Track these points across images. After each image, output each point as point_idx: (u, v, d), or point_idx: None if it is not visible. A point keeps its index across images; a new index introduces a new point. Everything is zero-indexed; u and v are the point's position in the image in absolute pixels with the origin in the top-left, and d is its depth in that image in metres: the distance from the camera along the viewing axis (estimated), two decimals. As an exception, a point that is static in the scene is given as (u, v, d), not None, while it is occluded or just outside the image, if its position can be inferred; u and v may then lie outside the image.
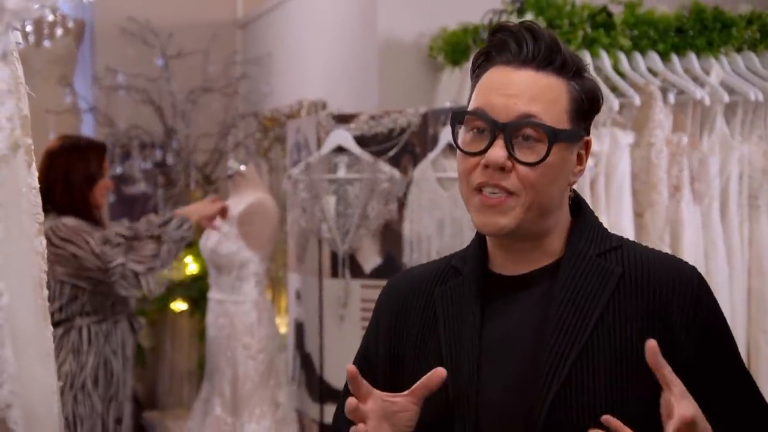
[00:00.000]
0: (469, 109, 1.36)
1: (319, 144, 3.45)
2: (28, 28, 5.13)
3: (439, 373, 1.28)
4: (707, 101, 3.15)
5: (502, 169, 1.31)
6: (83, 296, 3.28)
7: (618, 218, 3.03)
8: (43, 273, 1.44)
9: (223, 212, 3.61)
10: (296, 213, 3.57)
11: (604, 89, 3.05)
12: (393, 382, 1.41)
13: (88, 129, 5.72)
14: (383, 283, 1.57)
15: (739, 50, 3.33)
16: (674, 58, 3.25)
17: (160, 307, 5.00)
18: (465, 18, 3.73)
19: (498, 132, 1.32)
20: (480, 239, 1.43)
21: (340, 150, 3.40)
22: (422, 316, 1.43)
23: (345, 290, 3.42)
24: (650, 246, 1.47)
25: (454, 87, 3.75)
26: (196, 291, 4.84)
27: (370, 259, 3.41)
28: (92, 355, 3.28)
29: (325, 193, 3.42)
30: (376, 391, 1.30)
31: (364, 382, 1.30)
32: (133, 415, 3.56)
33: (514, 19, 2.44)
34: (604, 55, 3.15)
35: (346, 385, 1.52)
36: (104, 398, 3.30)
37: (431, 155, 3.30)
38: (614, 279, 1.34)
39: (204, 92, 5.44)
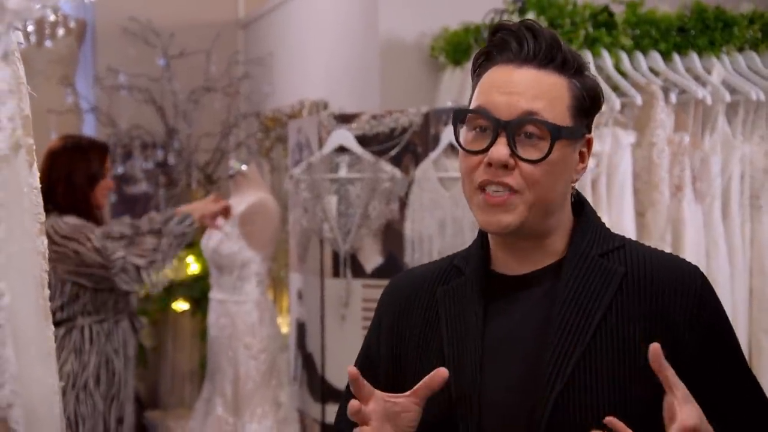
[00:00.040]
0: (470, 108, 1.36)
1: (321, 144, 3.45)
2: (30, 28, 5.12)
3: (442, 373, 1.28)
4: (709, 101, 3.15)
5: (505, 166, 1.31)
6: (84, 295, 3.29)
7: (619, 218, 3.03)
8: (45, 273, 1.44)
9: (225, 211, 3.61)
10: (298, 213, 3.57)
11: (606, 89, 3.05)
12: (395, 382, 1.41)
13: (89, 129, 5.73)
14: (385, 282, 1.57)
15: (740, 50, 3.33)
16: (676, 57, 3.24)
17: (162, 307, 5.00)
18: (466, 18, 3.73)
19: (500, 130, 1.32)
20: (482, 239, 1.43)
21: (341, 150, 3.40)
22: (424, 315, 1.43)
23: (346, 290, 3.42)
24: (652, 245, 1.47)
25: (455, 87, 3.75)
26: (198, 291, 4.84)
27: (372, 259, 3.41)
28: (94, 354, 3.28)
29: (326, 193, 3.42)
30: (378, 392, 1.30)
31: (366, 383, 1.30)
32: (135, 414, 3.56)
33: (516, 19, 2.44)
34: (605, 54, 3.15)
35: (348, 386, 1.52)
36: (106, 397, 3.31)
37: (433, 155, 3.30)
38: (617, 279, 1.34)
39: (205, 92, 5.44)
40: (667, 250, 2.65)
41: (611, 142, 3.06)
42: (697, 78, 3.23)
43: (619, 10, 3.30)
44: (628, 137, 3.08)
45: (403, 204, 3.34)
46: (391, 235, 3.37)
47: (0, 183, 1.29)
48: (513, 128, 1.31)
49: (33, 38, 5.37)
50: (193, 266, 4.92)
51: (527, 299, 1.37)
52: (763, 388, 1.41)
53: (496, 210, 1.33)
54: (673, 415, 1.20)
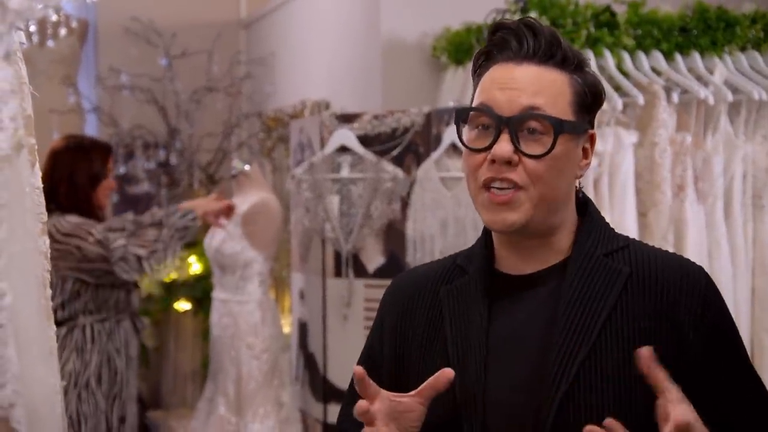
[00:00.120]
0: (472, 106, 1.36)
1: (323, 144, 3.45)
2: (32, 28, 5.13)
3: (447, 373, 1.28)
4: (711, 100, 3.15)
5: (508, 163, 1.31)
6: (86, 293, 3.29)
7: (621, 218, 3.02)
8: (47, 272, 1.44)
9: (227, 210, 3.61)
10: (300, 213, 3.57)
11: (608, 89, 3.05)
12: (398, 382, 1.41)
13: (91, 129, 5.73)
14: (387, 282, 1.56)
15: (743, 49, 3.32)
16: (678, 57, 3.24)
17: (164, 307, 5.01)
18: (468, 18, 3.72)
19: (503, 126, 1.32)
20: (486, 238, 1.43)
21: (343, 150, 3.40)
22: (428, 315, 1.43)
23: (348, 290, 3.42)
24: (654, 245, 1.47)
25: (457, 87, 3.75)
26: (200, 291, 4.84)
27: (374, 259, 3.41)
28: (95, 353, 3.29)
29: (328, 193, 3.42)
30: (383, 392, 1.30)
31: (372, 382, 1.30)
32: (137, 414, 3.57)
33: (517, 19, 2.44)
34: (607, 54, 3.15)
35: (350, 386, 1.52)
36: (108, 396, 3.31)
37: (434, 155, 3.30)
38: (622, 279, 1.34)
39: (207, 92, 5.44)
40: (670, 250, 2.65)
41: (613, 142, 3.05)
42: (699, 78, 3.23)
43: (621, 10, 3.30)
44: (631, 137, 3.08)
45: (405, 204, 3.34)
46: (393, 235, 3.37)
47: (2, 183, 1.29)
48: (515, 124, 1.31)
49: (35, 38, 5.38)
50: (195, 266, 4.92)
51: (532, 299, 1.37)
52: (766, 387, 1.41)
53: (501, 208, 1.33)
54: (667, 415, 1.19)
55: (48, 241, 1.46)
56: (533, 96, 1.32)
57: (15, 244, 1.30)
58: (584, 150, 1.38)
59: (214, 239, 3.95)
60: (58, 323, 3.11)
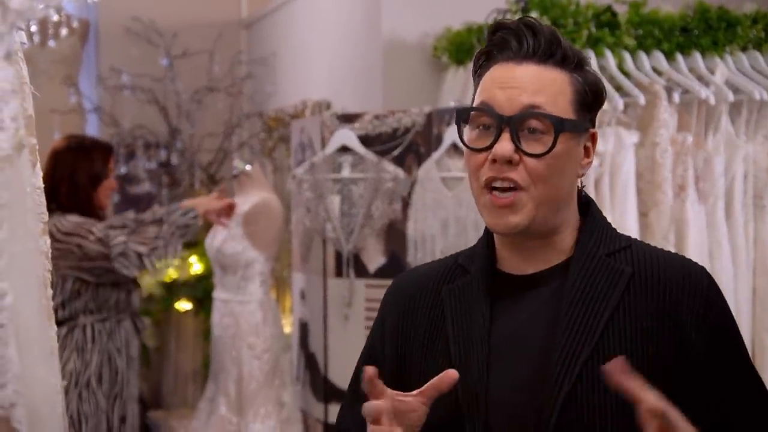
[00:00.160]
0: (473, 106, 1.36)
1: (324, 144, 3.45)
2: (33, 28, 5.14)
3: (451, 375, 1.27)
4: (712, 100, 3.15)
5: (509, 162, 1.31)
6: (86, 293, 3.29)
7: (623, 218, 3.02)
8: (48, 272, 1.44)
9: (228, 209, 3.61)
10: (300, 213, 3.57)
11: (609, 89, 3.05)
12: (400, 382, 1.40)
13: (92, 129, 5.74)
14: (388, 282, 1.56)
15: (744, 49, 3.32)
16: (679, 57, 3.24)
17: (165, 307, 5.01)
18: (469, 18, 3.72)
19: (504, 125, 1.31)
20: (488, 238, 1.43)
21: (344, 150, 3.40)
22: (429, 315, 1.43)
23: (349, 290, 3.42)
24: (655, 246, 1.47)
25: (458, 87, 3.75)
26: (201, 291, 4.85)
27: (375, 259, 3.41)
28: (96, 352, 3.29)
29: (329, 193, 3.43)
30: (388, 390, 1.29)
31: (380, 382, 1.29)
32: (138, 414, 3.57)
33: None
34: (608, 54, 3.15)
35: (350, 386, 1.52)
36: (109, 396, 3.31)
37: (435, 155, 3.30)
38: (624, 279, 1.34)
39: (208, 92, 5.44)
40: (671, 250, 2.65)
41: (614, 142, 3.05)
42: (700, 78, 3.22)
43: (622, 10, 3.30)
44: (631, 137, 3.08)
45: (406, 204, 3.34)
46: (394, 235, 3.37)
47: (3, 183, 1.29)
48: (516, 123, 1.31)
49: (36, 38, 5.38)
50: (196, 266, 4.93)
51: (534, 299, 1.37)
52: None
53: (504, 211, 1.32)
54: (647, 419, 1.19)
55: (49, 241, 1.46)
56: (533, 95, 1.32)
57: (16, 244, 1.30)
58: (585, 149, 1.38)
59: (215, 239, 3.95)
60: (59, 323, 3.11)
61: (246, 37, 6.09)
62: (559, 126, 1.31)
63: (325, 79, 4.78)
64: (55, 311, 2.45)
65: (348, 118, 3.44)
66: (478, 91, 1.37)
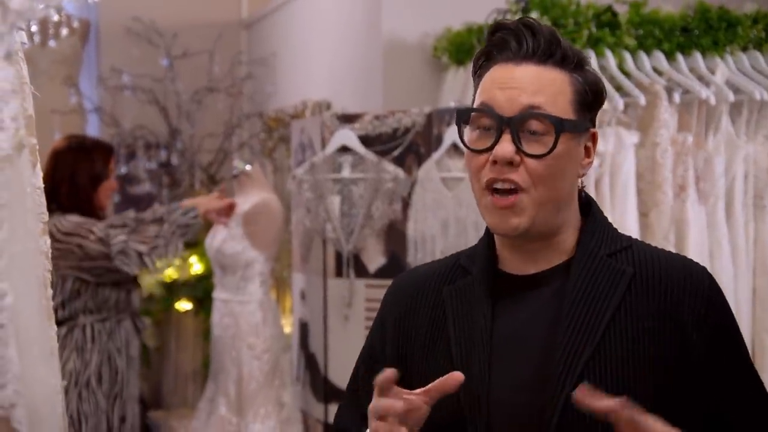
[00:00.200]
0: (473, 107, 1.36)
1: (324, 144, 3.45)
2: (33, 28, 5.14)
3: (456, 377, 1.26)
4: (712, 100, 3.15)
5: (510, 163, 1.31)
6: (86, 293, 3.29)
7: (623, 218, 3.02)
8: (48, 272, 1.44)
9: (229, 208, 3.62)
10: (301, 213, 3.57)
11: (609, 89, 3.04)
12: (400, 382, 1.40)
13: (93, 129, 5.74)
14: (388, 282, 1.56)
15: (744, 49, 3.32)
16: (679, 57, 3.24)
17: (165, 307, 5.01)
18: (469, 18, 3.72)
19: (504, 126, 1.31)
20: (489, 238, 1.43)
21: (344, 150, 3.40)
22: (431, 315, 1.43)
23: (349, 290, 3.42)
24: (656, 246, 1.47)
25: (458, 87, 3.75)
26: (201, 291, 4.85)
27: (375, 259, 3.41)
28: (96, 352, 3.29)
29: (329, 193, 3.42)
30: (396, 388, 1.29)
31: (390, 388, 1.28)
32: (139, 414, 3.57)
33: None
34: (609, 54, 3.15)
35: (349, 385, 1.52)
36: (109, 396, 3.31)
37: (435, 155, 3.29)
38: (626, 279, 1.34)
39: (209, 92, 5.44)
40: (671, 250, 2.65)
41: (614, 142, 3.05)
42: (700, 78, 3.22)
43: (622, 10, 3.29)
44: (632, 137, 3.08)
45: (406, 204, 3.34)
46: (394, 236, 3.37)
47: (3, 183, 1.29)
48: (516, 124, 1.31)
49: (37, 38, 5.38)
50: (196, 266, 4.93)
51: (536, 299, 1.37)
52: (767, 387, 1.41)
53: (505, 213, 1.32)
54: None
55: (49, 241, 1.46)
56: (533, 95, 1.32)
57: (16, 245, 1.30)
58: (586, 149, 1.38)
59: (215, 239, 3.95)
60: (59, 323, 3.11)
61: (246, 37, 6.09)
62: (559, 126, 1.31)
63: (325, 79, 4.78)
64: (55, 311, 2.45)
65: (348, 119, 3.44)
66: (477, 91, 1.37)
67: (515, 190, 1.32)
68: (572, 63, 1.35)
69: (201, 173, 5.43)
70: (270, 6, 5.64)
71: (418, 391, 1.28)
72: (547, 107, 1.32)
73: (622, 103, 3.04)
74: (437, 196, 3.28)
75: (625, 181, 3.06)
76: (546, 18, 3.14)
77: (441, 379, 1.27)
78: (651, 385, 1.30)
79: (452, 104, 3.43)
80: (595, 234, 1.39)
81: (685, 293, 1.34)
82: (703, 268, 1.39)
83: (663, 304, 1.33)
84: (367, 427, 1.32)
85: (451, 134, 3.24)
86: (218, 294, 3.99)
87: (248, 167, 3.97)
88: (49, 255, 1.46)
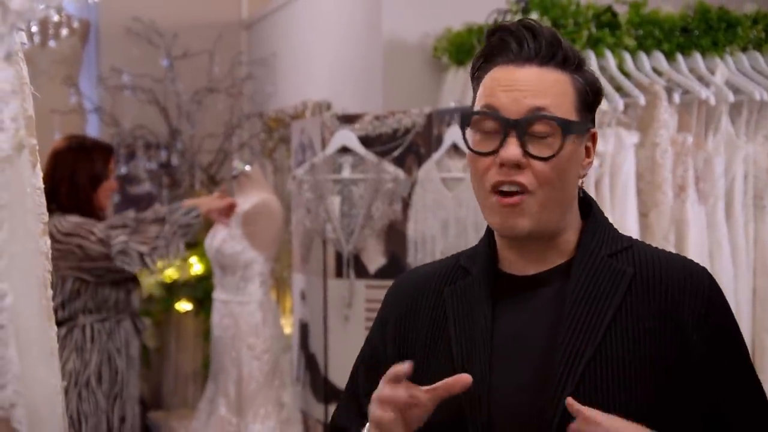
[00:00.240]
0: (475, 110, 1.36)
1: (324, 144, 3.45)
2: (34, 29, 5.14)
3: (464, 379, 1.26)
4: (712, 101, 3.14)
5: (517, 166, 1.31)
6: (85, 293, 3.29)
7: (623, 218, 3.02)
8: (48, 273, 1.44)
9: (231, 208, 3.62)
10: (301, 213, 3.57)
11: (609, 89, 3.05)
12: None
13: (93, 129, 5.74)
14: (388, 283, 1.56)
15: (744, 50, 3.32)
16: (679, 57, 3.24)
17: (165, 308, 5.01)
18: (469, 18, 3.72)
19: (510, 129, 1.31)
20: (489, 239, 1.43)
21: (344, 150, 3.40)
22: (431, 315, 1.43)
23: (349, 290, 3.42)
24: (655, 246, 1.47)
25: (458, 87, 3.75)
26: (201, 291, 4.85)
27: (375, 260, 3.41)
28: (95, 352, 3.29)
29: (329, 194, 3.43)
30: (405, 382, 1.28)
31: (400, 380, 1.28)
32: (139, 415, 3.57)
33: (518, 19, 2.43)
34: (608, 54, 3.15)
35: (348, 384, 1.52)
36: (108, 396, 3.31)
37: (436, 156, 3.29)
38: (626, 279, 1.34)
39: (209, 93, 5.44)
40: (671, 250, 2.65)
41: (614, 143, 3.05)
42: (700, 78, 3.22)
43: (622, 11, 3.29)
44: (632, 137, 3.08)
45: (406, 204, 3.34)
46: (394, 236, 3.37)
47: (3, 183, 1.29)
48: (522, 126, 1.31)
49: (37, 38, 5.38)
50: (196, 267, 4.93)
51: (536, 300, 1.37)
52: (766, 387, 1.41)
53: (510, 213, 1.32)
54: None
55: (49, 242, 1.46)
56: (538, 97, 1.32)
57: (16, 245, 1.30)
58: (586, 149, 1.38)
59: (215, 239, 3.95)
60: (58, 323, 3.10)
61: (246, 37, 6.09)
62: (566, 128, 1.31)
63: (325, 79, 4.78)
64: (55, 312, 2.45)
65: (348, 119, 3.44)
66: (479, 94, 1.37)
67: (521, 191, 1.32)
68: (573, 64, 1.35)
69: (201, 174, 5.43)
70: (270, 6, 5.64)
71: (424, 388, 1.27)
72: (552, 109, 1.32)
73: (622, 104, 3.04)
74: (437, 197, 3.28)
75: (625, 181, 3.06)
76: (546, 18, 3.14)
77: (449, 379, 1.27)
78: (651, 386, 1.30)
79: (452, 105, 3.43)
80: (595, 234, 1.39)
81: (686, 293, 1.34)
82: (704, 269, 1.39)
83: (663, 304, 1.33)
84: (365, 427, 1.32)
85: (451, 135, 3.24)
86: (218, 294, 3.99)
87: (248, 168, 3.97)
88: (49, 255, 1.46)
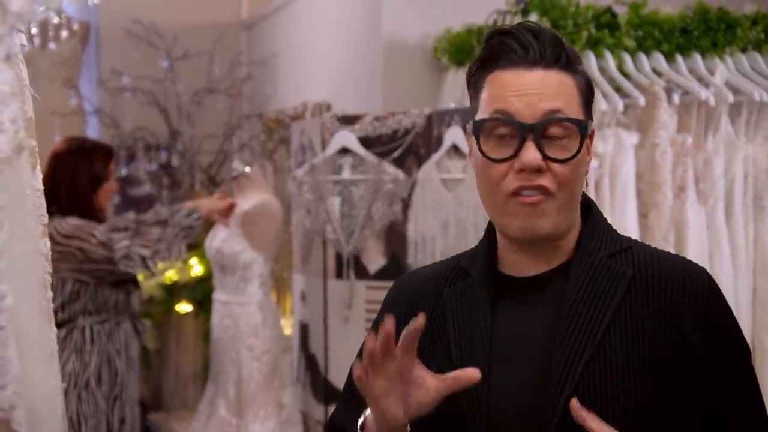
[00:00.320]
0: (484, 117, 1.34)
1: (324, 145, 3.46)
2: (34, 30, 5.14)
3: (474, 374, 1.26)
4: (712, 102, 3.15)
5: (538, 170, 1.31)
6: (85, 294, 3.29)
7: (622, 219, 3.02)
8: (48, 274, 1.44)
9: (231, 209, 3.62)
10: (301, 214, 3.57)
11: (609, 90, 3.05)
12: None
13: (93, 131, 5.74)
14: (388, 284, 1.56)
15: (743, 50, 3.32)
16: (679, 58, 3.24)
17: (165, 309, 5.01)
18: (469, 19, 3.73)
19: (526, 133, 1.30)
20: (489, 240, 1.43)
21: (344, 151, 3.40)
22: (431, 317, 1.42)
23: (349, 291, 3.42)
24: (655, 247, 1.47)
25: (458, 88, 3.75)
26: (201, 292, 4.85)
27: (375, 260, 3.41)
28: (95, 353, 3.29)
29: (329, 195, 3.43)
30: (417, 360, 1.27)
31: (411, 344, 1.26)
32: (139, 416, 3.57)
33: (518, 20, 2.43)
34: (608, 55, 3.15)
35: (346, 385, 1.52)
36: (108, 397, 3.31)
37: (435, 156, 3.30)
38: (626, 280, 1.34)
39: (209, 94, 5.44)
40: (670, 251, 2.65)
41: (614, 143, 3.05)
42: (700, 79, 3.23)
43: (622, 12, 3.29)
44: (631, 138, 3.08)
45: (406, 205, 3.35)
46: (394, 237, 3.37)
47: (2, 185, 1.29)
48: (539, 130, 1.31)
49: (37, 40, 5.39)
50: (196, 268, 4.93)
51: (536, 300, 1.37)
52: (766, 388, 1.41)
53: (532, 215, 1.31)
54: None
55: (49, 243, 1.46)
56: (551, 100, 1.31)
57: (16, 246, 1.30)
58: (587, 146, 1.39)
59: (215, 240, 3.96)
60: (58, 325, 3.11)
61: (246, 38, 6.10)
62: (583, 129, 1.32)
63: (325, 80, 4.78)
64: (55, 313, 2.45)
65: (348, 120, 3.44)
66: (486, 99, 1.35)
67: (542, 194, 1.31)
68: (575, 64, 1.36)
69: (201, 175, 5.43)
70: (270, 7, 5.64)
71: (438, 375, 1.26)
72: (566, 110, 1.32)
73: (621, 105, 3.04)
74: (437, 197, 3.28)
75: (624, 182, 3.06)
76: (545, 19, 3.14)
77: (460, 370, 1.26)
78: (651, 386, 1.30)
79: (452, 105, 3.43)
80: (594, 235, 1.39)
81: (685, 294, 1.34)
82: (703, 269, 1.39)
83: (663, 304, 1.33)
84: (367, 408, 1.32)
85: (451, 135, 3.24)
86: (218, 295, 3.99)
87: (248, 169, 3.97)
88: (49, 257, 1.46)
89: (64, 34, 5.40)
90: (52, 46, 5.46)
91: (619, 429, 1.24)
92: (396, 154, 3.37)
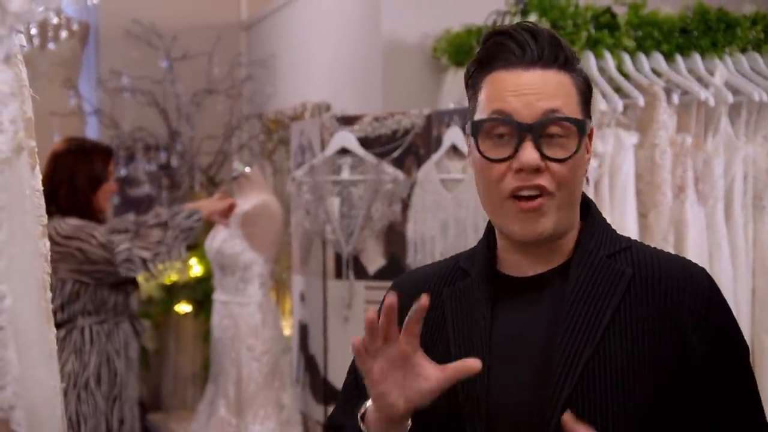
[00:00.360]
0: (482, 117, 1.34)
1: (323, 146, 3.46)
2: (33, 31, 5.14)
3: (475, 365, 1.25)
4: (711, 102, 3.15)
5: (536, 170, 1.31)
6: (84, 295, 3.29)
7: (622, 219, 3.02)
8: (47, 275, 1.44)
9: (231, 209, 3.62)
10: (300, 215, 3.57)
11: (609, 90, 3.05)
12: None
13: (92, 131, 5.74)
14: (387, 284, 1.56)
15: (743, 51, 3.32)
16: (678, 58, 3.24)
17: (165, 309, 5.01)
18: (469, 19, 3.73)
19: (525, 133, 1.31)
20: (488, 240, 1.43)
21: (343, 152, 3.41)
22: (430, 316, 1.42)
23: (349, 291, 3.42)
24: (654, 247, 1.47)
25: (457, 88, 3.75)
26: (201, 293, 4.85)
27: (374, 261, 3.41)
28: (94, 354, 3.29)
29: (329, 195, 3.43)
30: (419, 347, 1.27)
31: (415, 326, 1.26)
32: (138, 417, 3.57)
33: (517, 21, 2.43)
34: (608, 55, 3.15)
35: (344, 386, 1.52)
36: (108, 397, 3.31)
37: (435, 156, 3.30)
38: (625, 280, 1.34)
39: (208, 94, 5.44)
40: (670, 251, 2.65)
41: (614, 143, 3.05)
42: (699, 79, 3.22)
43: (621, 12, 3.29)
44: (631, 138, 3.08)
45: (406, 206, 3.35)
46: (394, 237, 3.37)
47: (2, 185, 1.29)
48: (537, 130, 1.31)
49: (36, 41, 5.38)
50: (196, 268, 4.93)
51: (535, 300, 1.37)
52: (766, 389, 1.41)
53: (532, 217, 1.31)
54: None
55: (48, 244, 1.46)
56: (550, 99, 1.32)
57: (15, 247, 1.30)
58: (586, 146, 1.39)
59: (215, 240, 3.96)
60: (57, 325, 3.10)
61: (245, 38, 6.09)
62: (582, 128, 1.32)
63: (324, 80, 4.78)
64: (54, 314, 2.45)
65: (347, 120, 3.44)
66: (484, 99, 1.35)
67: (540, 194, 1.31)
68: (573, 64, 1.36)
69: (200, 175, 5.43)
70: (269, 7, 5.64)
71: (439, 366, 1.26)
72: (565, 110, 1.32)
73: (621, 105, 3.04)
74: (437, 198, 3.28)
75: (624, 182, 3.06)
76: (545, 19, 3.14)
77: (460, 361, 1.26)
78: (650, 386, 1.30)
79: (452, 106, 3.43)
80: (594, 235, 1.39)
81: (685, 294, 1.34)
82: (703, 269, 1.39)
83: (662, 304, 1.33)
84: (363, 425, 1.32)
85: (450, 136, 3.24)
86: (218, 296, 3.99)
87: (247, 169, 3.97)
88: (49, 257, 1.46)
89: (64, 34, 5.40)
90: (51, 46, 5.46)
91: (618, 429, 1.24)
92: (395, 154, 3.37)
